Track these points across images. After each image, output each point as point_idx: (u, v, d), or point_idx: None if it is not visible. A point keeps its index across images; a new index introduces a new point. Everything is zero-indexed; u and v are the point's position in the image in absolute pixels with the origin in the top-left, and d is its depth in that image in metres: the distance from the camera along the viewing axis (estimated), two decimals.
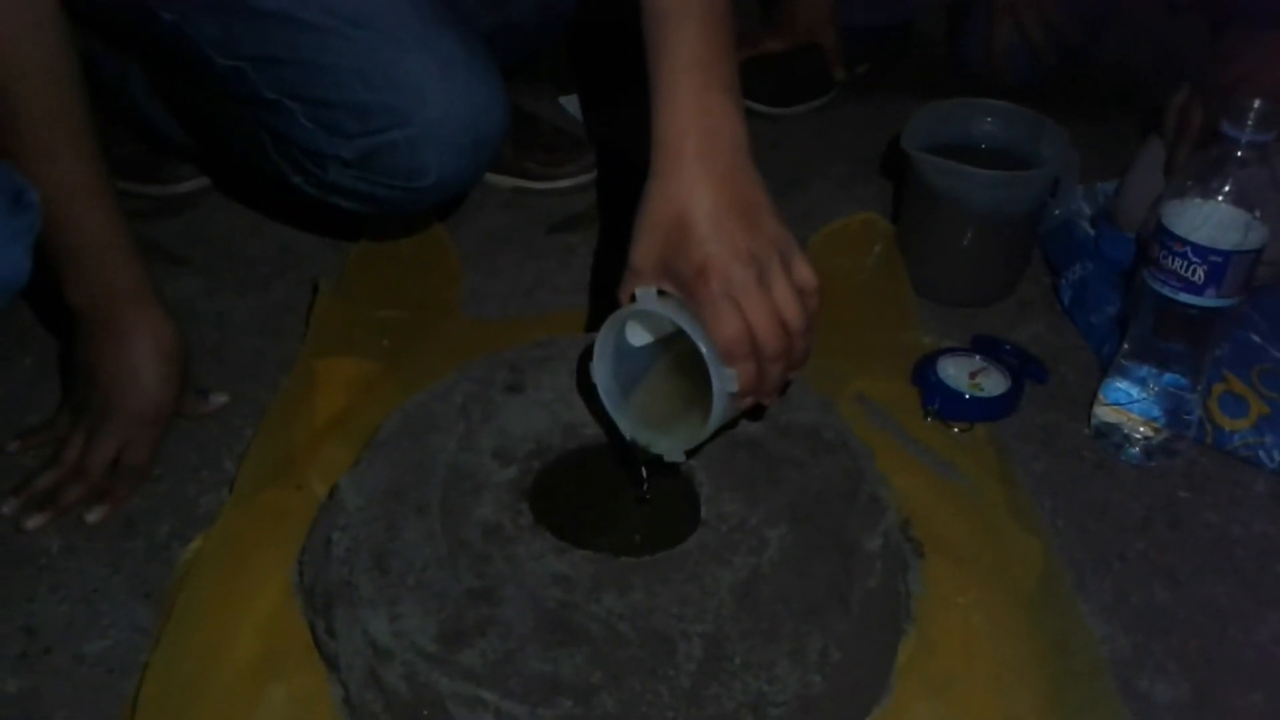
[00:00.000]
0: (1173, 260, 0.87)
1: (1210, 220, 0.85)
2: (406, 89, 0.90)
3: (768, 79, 1.46)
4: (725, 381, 0.71)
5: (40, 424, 0.92)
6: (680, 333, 0.72)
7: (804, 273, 0.75)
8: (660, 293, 0.74)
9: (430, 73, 0.90)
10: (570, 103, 1.42)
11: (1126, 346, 0.94)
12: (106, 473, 0.87)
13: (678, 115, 0.74)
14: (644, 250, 0.74)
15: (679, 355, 0.79)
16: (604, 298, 0.78)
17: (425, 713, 0.66)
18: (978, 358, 1.00)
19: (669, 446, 0.76)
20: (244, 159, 1.09)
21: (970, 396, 0.96)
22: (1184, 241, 0.86)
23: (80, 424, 0.88)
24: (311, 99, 0.92)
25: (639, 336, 0.79)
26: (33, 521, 0.84)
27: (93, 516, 0.84)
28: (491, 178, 1.29)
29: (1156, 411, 0.93)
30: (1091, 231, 1.12)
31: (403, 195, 0.97)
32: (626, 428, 0.79)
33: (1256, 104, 0.83)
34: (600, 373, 0.77)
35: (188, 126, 1.15)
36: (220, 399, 0.96)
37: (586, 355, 0.79)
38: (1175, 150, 1.08)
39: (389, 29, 0.90)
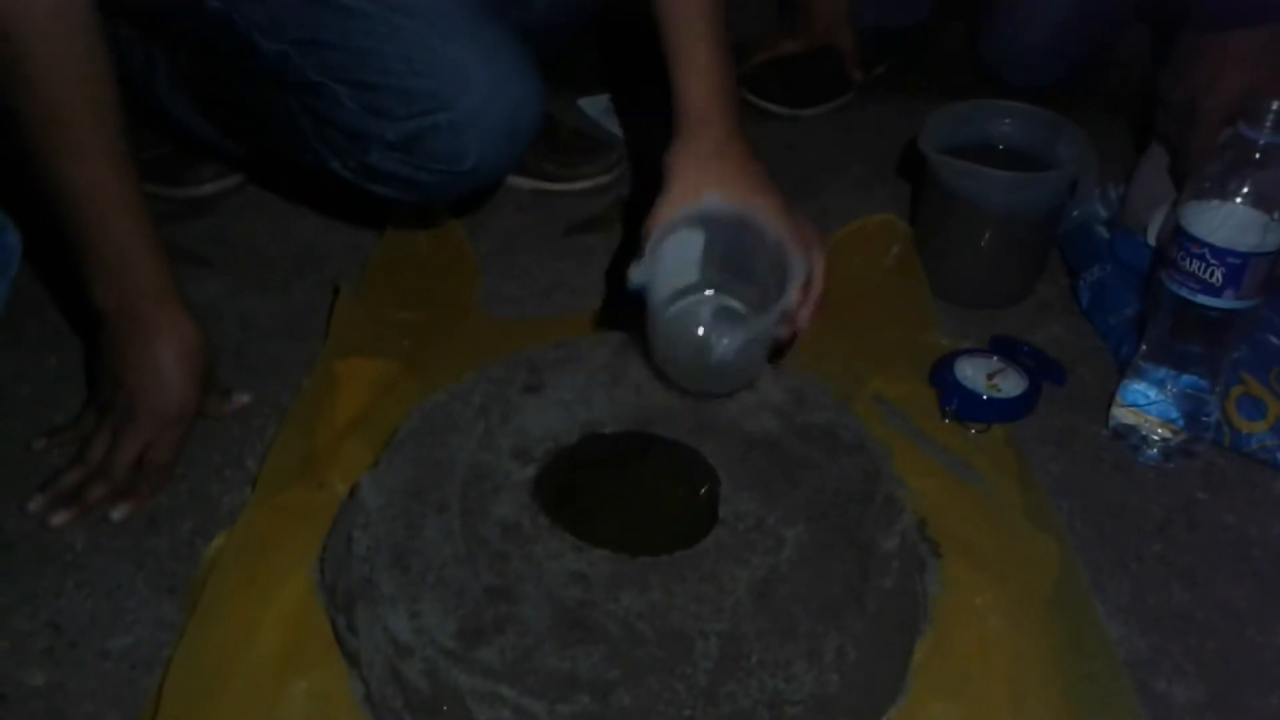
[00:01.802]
0: (1191, 262, 0.87)
1: (1229, 222, 0.85)
2: (451, 75, 0.92)
3: (785, 80, 1.47)
4: (798, 269, 0.80)
5: (66, 423, 0.93)
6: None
7: None
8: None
9: (474, 60, 0.93)
10: (589, 104, 1.43)
11: (1144, 348, 0.94)
12: (131, 472, 0.88)
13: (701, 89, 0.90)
14: (677, 194, 0.87)
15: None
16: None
17: (445, 709, 0.67)
18: (995, 359, 1.00)
19: (723, 348, 0.79)
20: (280, 147, 1.10)
21: (988, 397, 0.96)
22: (1202, 243, 0.86)
23: (105, 423, 0.89)
24: (357, 82, 0.93)
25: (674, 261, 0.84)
26: (58, 518, 0.85)
27: (117, 514, 0.86)
28: (510, 179, 1.30)
29: (1174, 413, 0.93)
30: (1106, 235, 1.12)
31: (442, 180, 0.98)
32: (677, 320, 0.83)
33: (1275, 105, 0.83)
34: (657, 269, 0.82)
35: (214, 120, 1.16)
36: (242, 399, 0.97)
37: (606, 352, 0.87)
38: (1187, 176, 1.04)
39: (434, 18, 0.93)
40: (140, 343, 0.88)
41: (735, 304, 0.85)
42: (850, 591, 0.73)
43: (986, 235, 1.09)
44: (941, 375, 0.98)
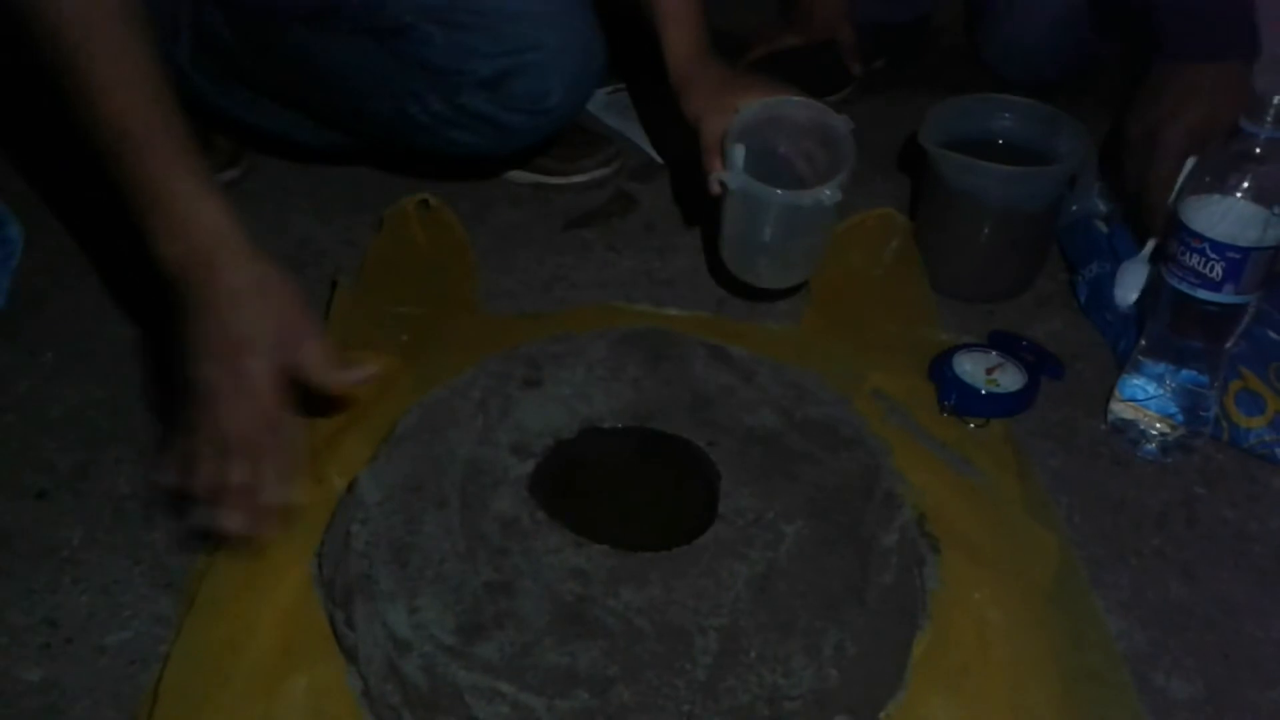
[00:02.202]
0: (1190, 256, 0.87)
1: (1228, 216, 0.85)
2: (537, 17, 1.02)
3: (784, 75, 1.46)
4: (843, 124, 0.99)
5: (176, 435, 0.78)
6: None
7: None
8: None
9: (555, 6, 1.04)
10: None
11: (1143, 343, 0.94)
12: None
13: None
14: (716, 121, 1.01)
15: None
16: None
17: (443, 704, 0.67)
18: (994, 353, 1.00)
19: (827, 194, 0.94)
20: (342, 103, 1.12)
21: (987, 392, 0.96)
22: (1202, 238, 0.86)
23: (204, 448, 0.74)
24: (451, 23, 1.02)
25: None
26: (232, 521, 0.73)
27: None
28: (508, 172, 1.29)
29: (1173, 408, 0.93)
30: (1106, 229, 1.12)
31: (523, 122, 1.07)
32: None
33: (1276, 100, 0.83)
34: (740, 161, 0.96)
35: (236, 92, 1.17)
36: (369, 370, 0.79)
37: (605, 347, 0.90)
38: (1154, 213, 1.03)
39: None
40: (212, 304, 0.76)
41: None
42: (849, 587, 0.73)
43: (986, 229, 1.09)
44: (940, 370, 0.98)
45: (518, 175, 1.29)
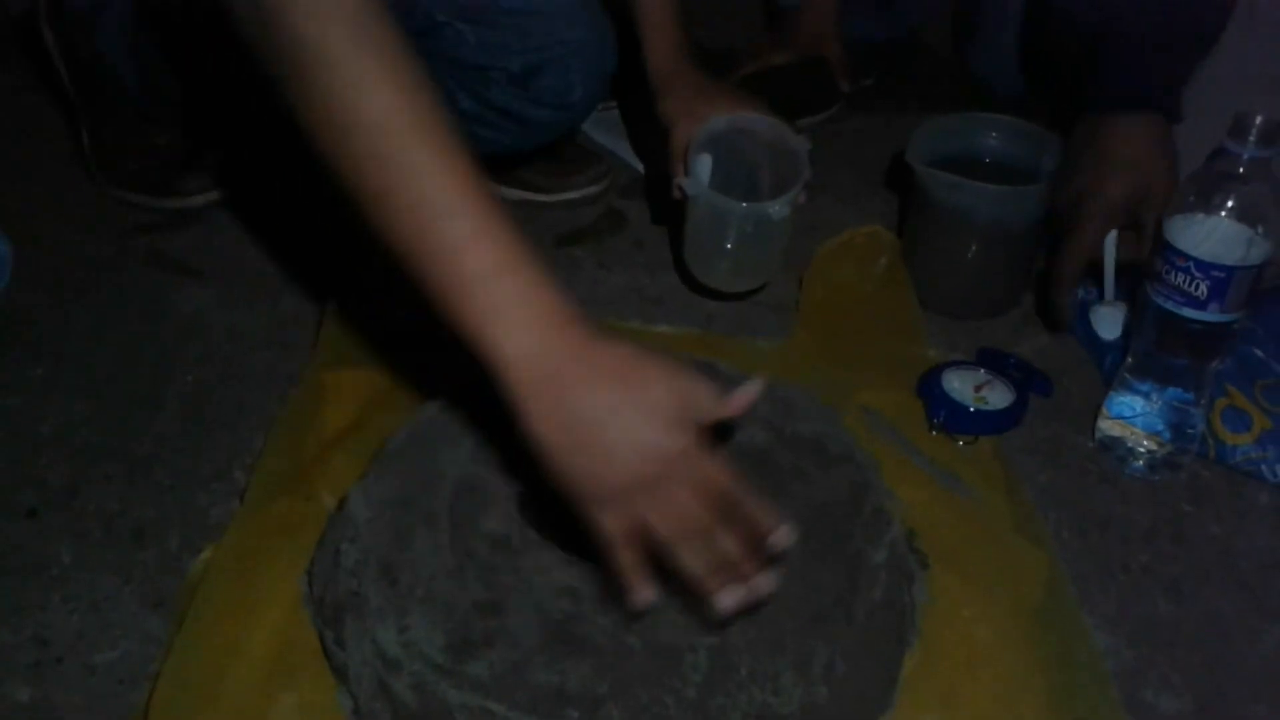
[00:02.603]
0: (1176, 275, 0.87)
1: (1213, 235, 0.86)
2: (561, 16, 1.07)
3: (773, 93, 1.47)
4: (802, 144, 1.05)
5: None
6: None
7: None
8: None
9: (577, 4, 1.08)
10: None
11: (1130, 361, 0.95)
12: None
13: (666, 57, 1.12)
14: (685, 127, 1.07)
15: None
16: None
17: None
18: (982, 371, 1.00)
19: (775, 207, 1.01)
20: None
21: (975, 409, 0.96)
22: (1187, 256, 0.86)
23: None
24: (481, 21, 1.05)
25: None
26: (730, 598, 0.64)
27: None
28: (498, 189, 1.29)
29: (1160, 425, 0.94)
30: None
31: (548, 117, 1.12)
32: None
33: (1258, 120, 0.84)
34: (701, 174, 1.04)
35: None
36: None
37: None
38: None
39: None
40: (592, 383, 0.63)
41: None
42: (839, 603, 0.73)
43: (973, 247, 1.09)
44: (929, 387, 0.99)
45: (508, 192, 1.30)
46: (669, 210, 1.14)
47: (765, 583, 0.64)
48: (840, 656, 0.70)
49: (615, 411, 0.62)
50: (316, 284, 1.14)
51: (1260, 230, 0.85)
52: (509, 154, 1.22)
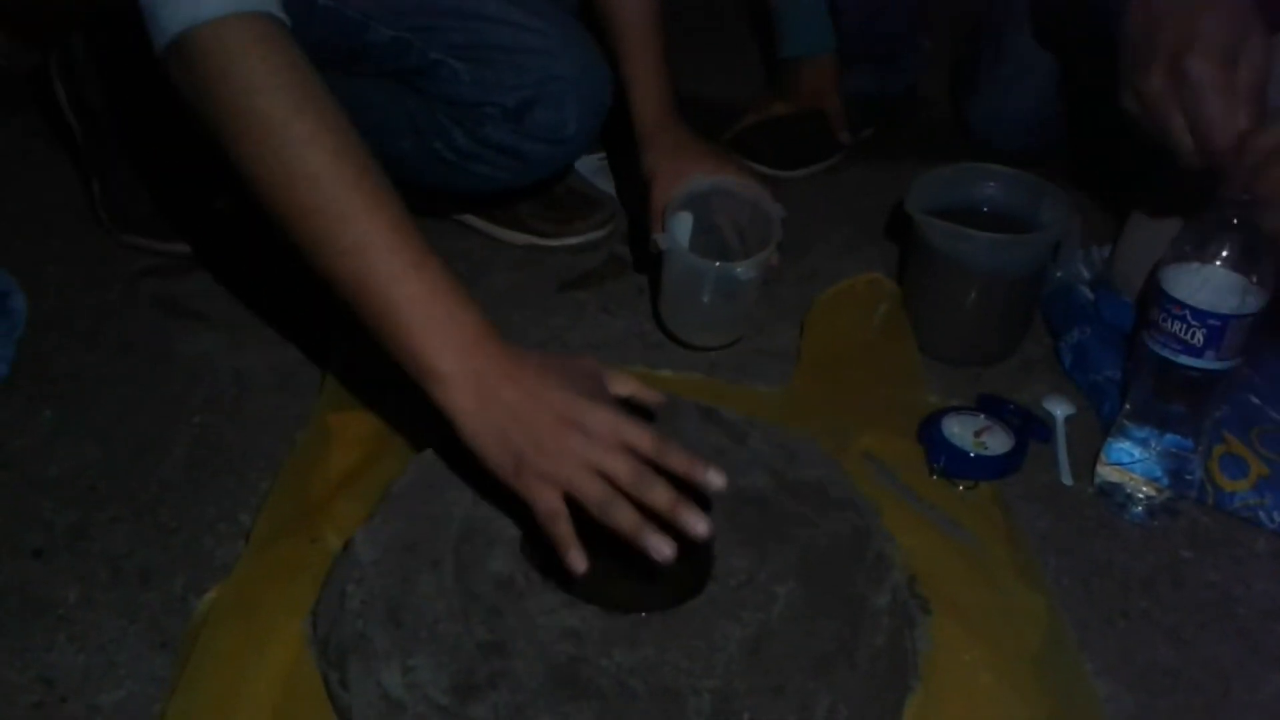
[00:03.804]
0: (1172, 323, 0.89)
1: (1208, 284, 0.87)
2: (555, 51, 1.09)
3: (774, 142, 1.49)
4: (777, 210, 1.09)
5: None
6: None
7: None
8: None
9: (570, 40, 1.11)
10: (582, 163, 1.45)
11: (1128, 407, 0.96)
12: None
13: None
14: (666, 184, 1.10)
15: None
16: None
17: None
18: (982, 416, 1.01)
19: (742, 268, 1.05)
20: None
21: (975, 455, 0.97)
22: (1182, 305, 0.88)
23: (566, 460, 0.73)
24: (475, 59, 1.08)
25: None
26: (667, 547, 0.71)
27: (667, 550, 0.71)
28: (503, 233, 1.31)
29: (1158, 472, 0.94)
30: (1091, 295, 1.14)
31: (544, 151, 1.13)
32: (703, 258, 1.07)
33: None
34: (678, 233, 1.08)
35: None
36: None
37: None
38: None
39: (531, 5, 1.10)
40: (518, 380, 0.74)
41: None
42: (841, 648, 0.74)
43: (972, 295, 1.11)
44: (929, 433, 1.00)
45: (512, 236, 1.31)
46: (648, 262, 1.18)
47: (699, 525, 0.71)
48: (843, 701, 0.71)
49: (535, 394, 0.73)
50: (322, 327, 1.15)
51: (1255, 279, 0.86)
52: (507, 191, 1.24)
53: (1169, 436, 0.93)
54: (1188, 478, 0.94)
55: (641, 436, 0.73)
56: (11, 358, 1.06)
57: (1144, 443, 0.94)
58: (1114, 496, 0.96)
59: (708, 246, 1.10)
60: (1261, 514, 0.94)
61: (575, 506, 0.74)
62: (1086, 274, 1.18)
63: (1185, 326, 0.88)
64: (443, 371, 0.74)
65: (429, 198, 1.29)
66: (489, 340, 0.75)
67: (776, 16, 1.51)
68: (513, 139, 1.12)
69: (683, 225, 1.09)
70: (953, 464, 0.97)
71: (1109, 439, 0.97)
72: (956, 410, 1.02)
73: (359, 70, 1.10)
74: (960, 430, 0.99)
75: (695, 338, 1.14)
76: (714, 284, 1.08)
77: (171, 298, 1.18)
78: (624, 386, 0.81)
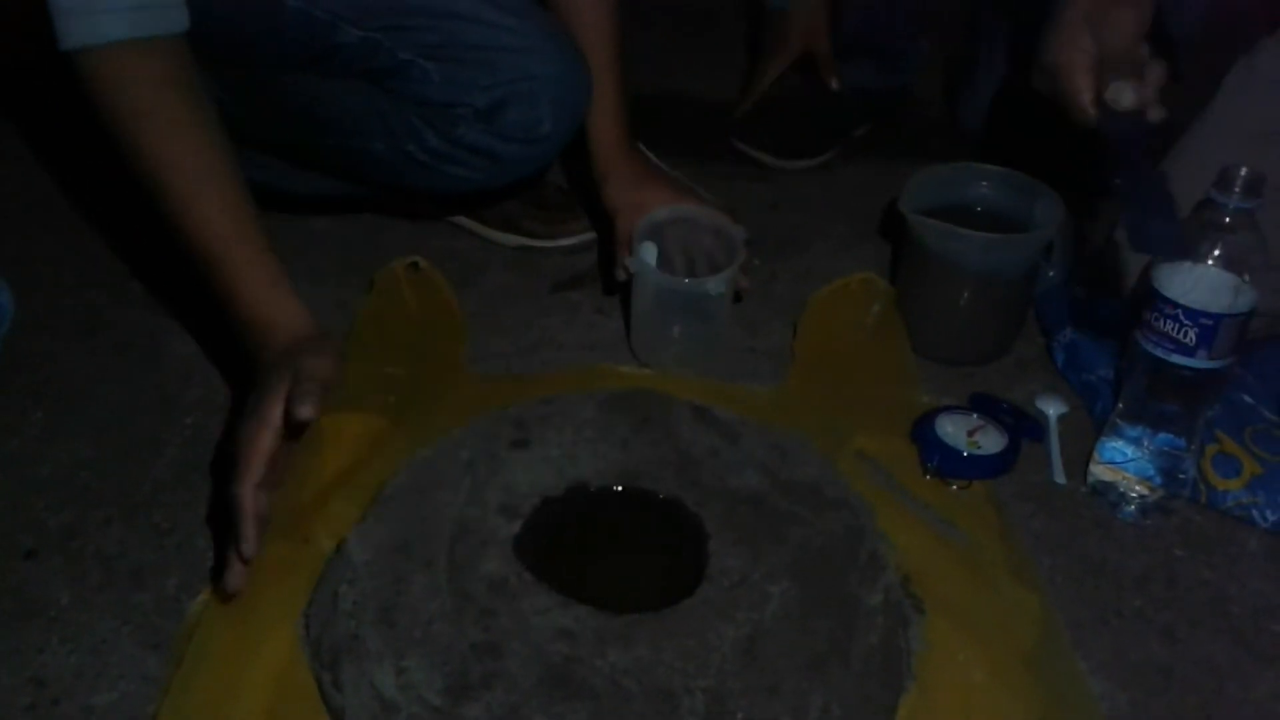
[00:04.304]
0: (1164, 323, 0.89)
1: (1201, 284, 0.87)
2: (528, 49, 1.08)
3: (774, 132, 1.49)
4: (740, 234, 1.09)
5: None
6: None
7: None
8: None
9: (544, 38, 1.09)
10: None
11: (1121, 406, 0.96)
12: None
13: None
14: (629, 216, 1.12)
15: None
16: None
17: None
18: (975, 416, 1.01)
19: (713, 283, 1.05)
20: (336, 147, 1.16)
21: (968, 454, 0.97)
22: (1175, 304, 0.88)
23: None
24: (447, 58, 1.06)
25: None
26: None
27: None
28: (496, 235, 1.31)
29: (1151, 471, 0.94)
30: (1081, 294, 1.14)
31: (519, 151, 1.12)
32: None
33: (1243, 172, 0.85)
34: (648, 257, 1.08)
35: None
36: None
37: (593, 408, 0.94)
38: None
39: (504, 5, 1.09)
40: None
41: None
42: (835, 648, 0.74)
43: (965, 294, 1.11)
44: (923, 432, 1.00)
45: (505, 238, 1.31)
46: (617, 288, 1.18)
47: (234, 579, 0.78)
48: (836, 701, 0.71)
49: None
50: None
51: (1246, 279, 0.87)
52: (487, 191, 1.23)
53: (1162, 435, 0.93)
54: (1181, 477, 0.94)
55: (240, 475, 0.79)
56: (1, 353, 1.06)
57: (1137, 442, 0.95)
58: (1107, 495, 0.97)
59: (674, 273, 1.11)
60: (1254, 512, 0.94)
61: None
62: (1079, 273, 1.18)
63: (1178, 326, 0.88)
64: (268, 338, 0.87)
65: (410, 199, 1.29)
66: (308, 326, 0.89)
67: None
68: (486, 139, 1.11)
69: (650, 254, 1.09)
70: (946, 463, 0.97)
71: (1102, 438, 0.98)
72: (950, 410, 1.02)
73: (330, 72, 1.10)
74: (954, 429, 0.99)
75: (669, 361, 1.11)
76: (685, 302, 1.08)
77: (163, 297, 1.18)
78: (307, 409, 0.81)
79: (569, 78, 1.11)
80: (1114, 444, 0.96)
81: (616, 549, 0.84)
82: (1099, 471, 0.97)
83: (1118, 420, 0.96)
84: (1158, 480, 0.94)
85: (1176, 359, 0.89)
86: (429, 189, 1.19)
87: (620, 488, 0.86)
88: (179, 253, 0.87)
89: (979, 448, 0.98)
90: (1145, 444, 0.94)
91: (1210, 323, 0.87)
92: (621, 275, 1.09)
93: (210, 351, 1.11)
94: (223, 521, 0.82)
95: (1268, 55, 1.09)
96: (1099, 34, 0.93)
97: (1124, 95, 0.91)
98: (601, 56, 1.15)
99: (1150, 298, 0.90)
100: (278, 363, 0.84)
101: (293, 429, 0.81)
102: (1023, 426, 1.02)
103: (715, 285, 1.06)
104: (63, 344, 1.10)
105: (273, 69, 1.11)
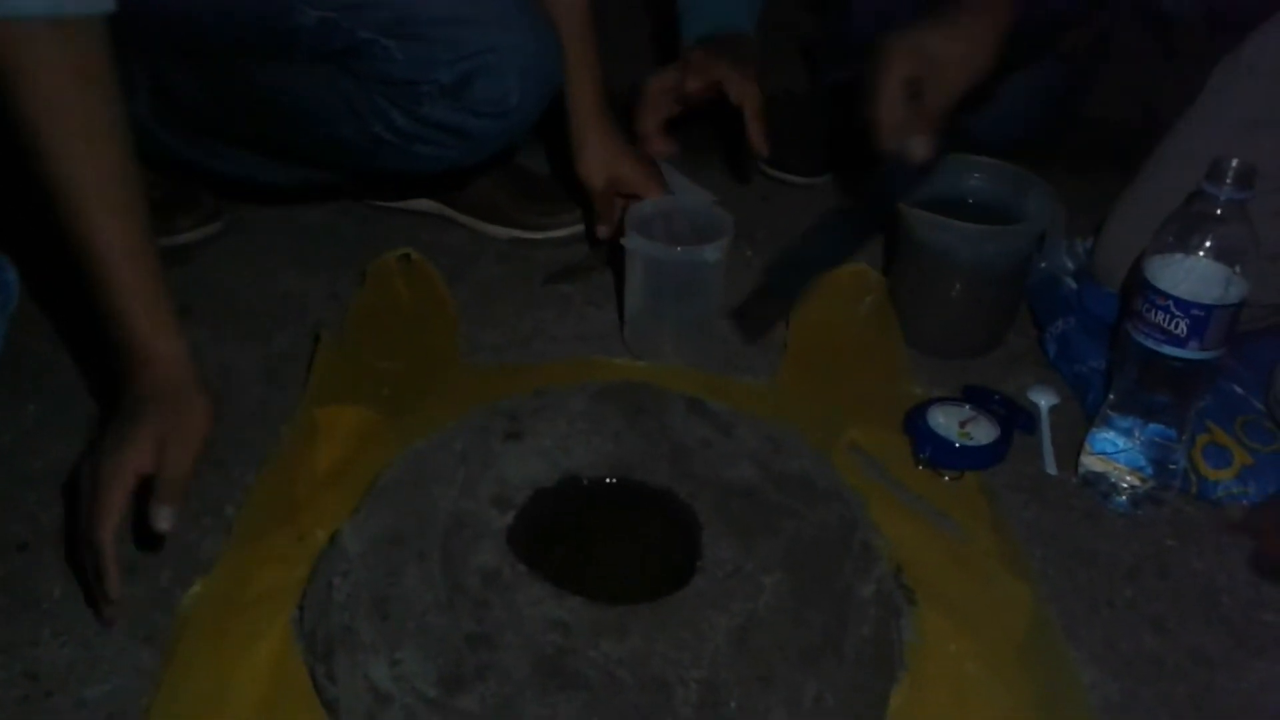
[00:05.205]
0: (1156, 313, 0.89)
1: (1192, 275, 0.87)
2: (491, 21, 1.05)
3: (798, 151, 1.47)
4: (724, 214, 1.09)
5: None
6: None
7: None
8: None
9: (507, 6, 1.06)
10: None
11: (1112, 397, 0.96)
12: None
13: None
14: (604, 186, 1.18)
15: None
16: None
17: None
18: (967, 407, 1.01)
19: (709, 249, 1.05)
20: (304, 134, 1.14)
21: (960, 445, 0.97)
22: (1166, 295, 0.88)
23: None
24: (407, 35, 1.03)
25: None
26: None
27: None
28: (488, 228, 1.31)
29: (1142, 461, 0.95)
30: (1075, 286, 1.15)
31: (488, 125, 1.09)
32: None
33: (1234, 163, 0.86)
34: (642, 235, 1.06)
35: (202, 140, 1.19)
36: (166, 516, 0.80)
37: (586, 400, 0.92)
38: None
39: None
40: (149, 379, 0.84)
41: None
42: (828, 638, 0.74)
43: (957, 286, 1.11)
44: (915, 423, 1.00)
45: (497, 230, 1.31)
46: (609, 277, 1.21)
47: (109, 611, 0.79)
48: (829, 691, 0.71)
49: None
50: (308, 321, 1.15)
51: (1238, 270, 0.87)
52: (463, 170, 1.21)
53: (1153, 426, 0.94)
54: (1171, 467, 0.95)
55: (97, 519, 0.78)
56: (5, 333, 1.05)
57: (1128, 432, 0.95)
58: (1098, 486, 0.97)
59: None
60: (1245, 502, 0.95)
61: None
62: (1071, 265, 1.18)
63: (1169, 317, 0.88)
64: (147, 361, 0.84)
65: (389, 182, 1.28)
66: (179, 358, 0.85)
67: None
68: (453, 116, 1.07)
69: (638, 244, 1.08)
70: (938, 454, 0.97)
71: (1093, 429, 0.98)
72: (942, 401, 1.02)
73: (293, 58, 1.07)
74: (946, 421, 0.99)
75: (664, 352, 1.11)
76: (680, 278, 1.07)
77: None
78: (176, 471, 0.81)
79: (535, 45, 1.07)
80: (1105, 435, 0.96)
81: (610, 540, 0.84)
82: (1090, 462, 0.98)
83: (1109, 411, 0.96)
84: (1149, 471, 0.95)
85: (1168, 350, 0.89)
86: (401, 170, 1.17)
87: (613, 479, 0.86)
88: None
89: (971, 439, 0.98)
90: (1136, 435, 0.95)
91: (1201, 314, 0.87)
92: (603, 233, 1.14)
93: (200, 345, 1.11)
94: (76, 553, 0.82)
95: (1254, 46, 1.09)
96: (918, 92, 1.01)
97: (918, 149, 1.01)
98: (572, 23, 1.14)
99: (1141, 289, 0.90)
100: (146, 410, 0.82)
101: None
102: (1014, 417, 1.02)
103: (711, 252, 1.05)
104: (55, 337, 1.10)
105: (235, 58, 1.09)
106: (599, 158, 1.17)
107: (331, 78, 1.08)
